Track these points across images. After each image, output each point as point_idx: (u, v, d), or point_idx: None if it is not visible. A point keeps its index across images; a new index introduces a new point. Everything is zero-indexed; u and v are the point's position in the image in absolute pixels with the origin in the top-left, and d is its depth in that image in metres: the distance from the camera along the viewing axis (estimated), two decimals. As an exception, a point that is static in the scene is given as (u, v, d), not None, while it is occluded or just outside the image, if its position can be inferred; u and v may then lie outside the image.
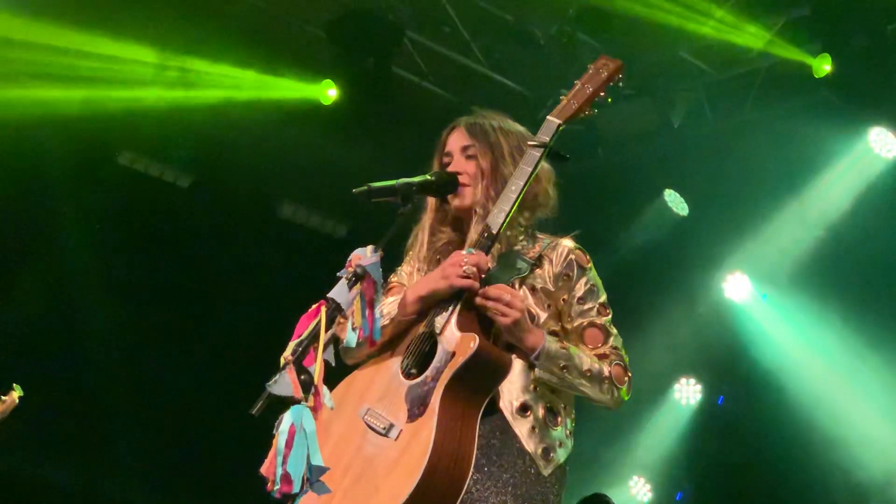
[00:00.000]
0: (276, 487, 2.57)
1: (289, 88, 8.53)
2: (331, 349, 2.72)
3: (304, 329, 2.69)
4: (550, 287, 3.35)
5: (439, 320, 3.18)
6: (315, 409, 2.63)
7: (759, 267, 8.90)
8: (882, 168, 8.08)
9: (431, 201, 3.51)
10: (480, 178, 3.42)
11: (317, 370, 2.65)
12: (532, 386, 3.25)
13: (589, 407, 3.38)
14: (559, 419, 3.28)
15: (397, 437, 3.07)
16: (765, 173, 8.32)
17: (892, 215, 7.78)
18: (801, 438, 8.10)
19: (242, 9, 8.17)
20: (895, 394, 7.79)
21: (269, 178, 9.23)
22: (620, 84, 3.51)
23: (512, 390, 3.23)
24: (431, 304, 3.24)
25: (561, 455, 3.26)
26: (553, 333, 3.31)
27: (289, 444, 2.57)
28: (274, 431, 2.61)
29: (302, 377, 2.62)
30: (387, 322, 3.25)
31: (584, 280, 3.37)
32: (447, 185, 3.40)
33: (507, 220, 3.26)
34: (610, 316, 3.40)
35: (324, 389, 2.67)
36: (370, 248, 2.85)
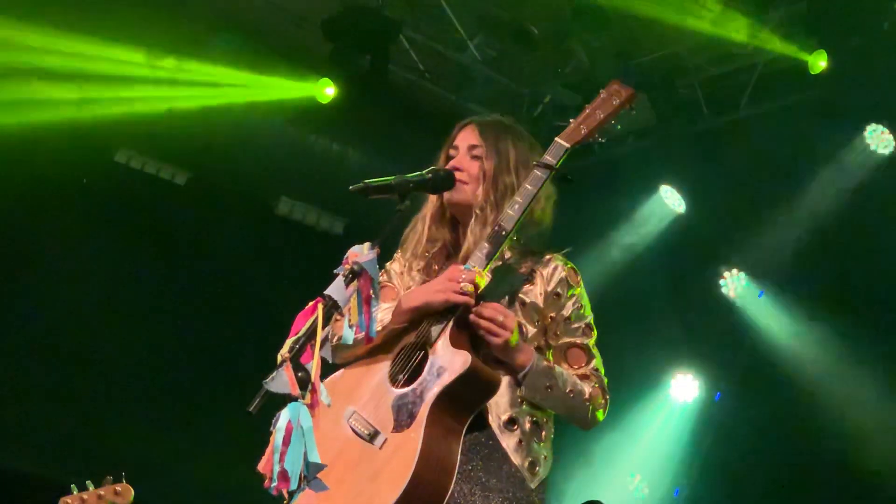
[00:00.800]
0: (274, 484, 2.59)
1: (286, 87, 8.54)
2: (328, 346, 2.73)
3: (301, 326, 2.70)
4: (540, 304, 3.36)
5: (432, 333, 3.19)
6: (312, 406, 2.64)
7: (756, 263, 8.90)
8: (878, 164, 8.10)
9: (432, 195, 3.52)
10: (481, 180, 3.43)
11: (314, 367, 2.66)
12: (519, 400, 3.28)
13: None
14: (543, 433, 3.31)
15: (381, 445, 3.09)
16: (761, 169, 8.33)
17: (888, 211, 7.78)
18: (798, 434, 8.10)
19: (240, 6, 8.16)
20: (891, 389, 7.79)
21: (266, 175, 9.24)
22: (633, 112, 3.51)
23: (500, 404, 3.25)
24: (424, 315, 3.24)
25: (544, 470, 3.29)
26: (537, 348, 3.34)
27: (286, 442, 2.58)
28: (271, 429, 2.62)
29: (299, 374, 2.63)
30: (379, 329, 3.24)
31: (573, 300, 3.40)
32: (444, 182, 3.39)
33: (518, 225, 3.27)
34: (594, 337, 3.43)
35: (321, 386, 2.68)
36: (367, 245, 2.86)
